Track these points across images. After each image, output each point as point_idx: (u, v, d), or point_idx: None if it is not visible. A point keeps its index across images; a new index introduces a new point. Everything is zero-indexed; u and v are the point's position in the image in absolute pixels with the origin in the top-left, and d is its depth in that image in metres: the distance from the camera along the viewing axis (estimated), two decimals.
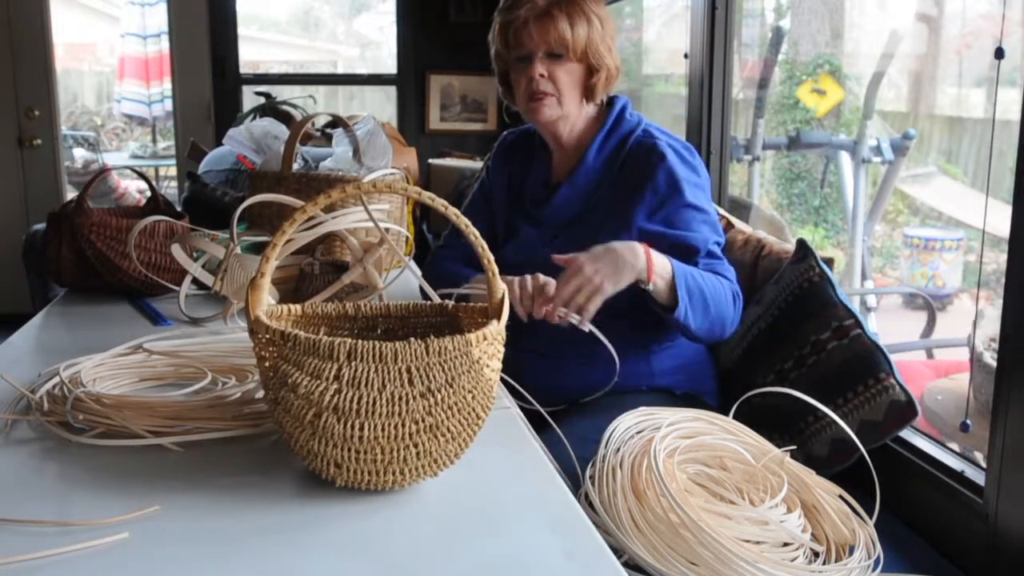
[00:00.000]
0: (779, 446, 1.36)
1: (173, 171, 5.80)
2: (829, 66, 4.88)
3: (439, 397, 0.91)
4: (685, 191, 1.58)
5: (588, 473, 1.27)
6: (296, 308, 1.09)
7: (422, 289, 1.72)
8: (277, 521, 0.91)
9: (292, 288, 1.75)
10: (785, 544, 1.20)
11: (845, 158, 3.47)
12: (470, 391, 0.94)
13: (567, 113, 1.66)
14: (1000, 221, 1.36)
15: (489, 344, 0.95)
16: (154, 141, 7.18)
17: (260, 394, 1.18)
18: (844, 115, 4.79)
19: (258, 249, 1.72)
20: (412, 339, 0.91)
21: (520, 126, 1.84)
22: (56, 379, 1.21)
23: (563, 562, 0.85)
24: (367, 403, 0.90)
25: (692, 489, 1.24)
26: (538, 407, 1.31)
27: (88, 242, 1.77)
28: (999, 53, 1.39)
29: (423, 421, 0.92)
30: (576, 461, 1.30)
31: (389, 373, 0.90)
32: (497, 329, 0.97)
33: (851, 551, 1.23)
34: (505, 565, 0.84)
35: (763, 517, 1.20)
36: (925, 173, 4.61)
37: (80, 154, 6.41)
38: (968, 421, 1.67)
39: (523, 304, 1.46)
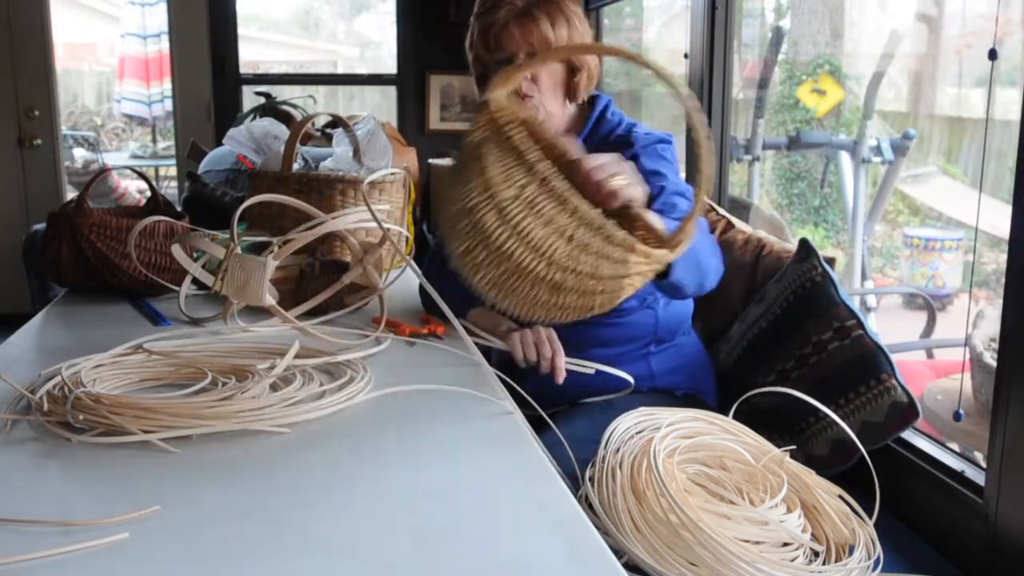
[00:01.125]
0: (779, 446, 1.36)
1: (173, 171, 5.80)
2: (829, 66, 4.88)
3: (580, 264, 0.93)
4: (649, 156, 1.55)
5: (588, 474, 1.27)
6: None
7: (422, 290, 1.73)
8: (277, 521, 0.91)
9: (292, 288, 1.75)
10: (785, 544, 1.20)
11: (845, 158, 3.48)
12: (601, 279, 0.95)
13: (551, 113, 1.64)
14: (1000, 221, 1.36)
15: (645, 263, 0.97)
16: (154, 141, 7.18)
17: (261, 393, 1.18)
18: (844, 115, 4.79)
19: (258, 249, 1.72)
20: (602, 210, 0.93)
21: None
22: (56, 379, 1.21)
23: (563, 562, 0.85)
24: (526, 225, 0.92)
25: (692, 489, 1.24)
26: (538, 408, 1.31)
27: (88, 242, 1.77)
28: (992, 54, 1.40)
29: (550, 270, 0.94)
30: (576, 462, 1.30)
31: (561, 217, 0.92)
32: (661, 255, 0.99)
33: (851, 551, 1.23)
34: (505, 565, 0.84)
35: (763, 517, 1.20)
36: (925, 173, 4.61)
37: (80, 154, 6.40)
38: (961, 411, 1.68)
39: (527, 360, 1.46)
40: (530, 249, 0.93)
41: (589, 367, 1.48)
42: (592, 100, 1.70)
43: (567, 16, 1.60)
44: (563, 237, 0.93)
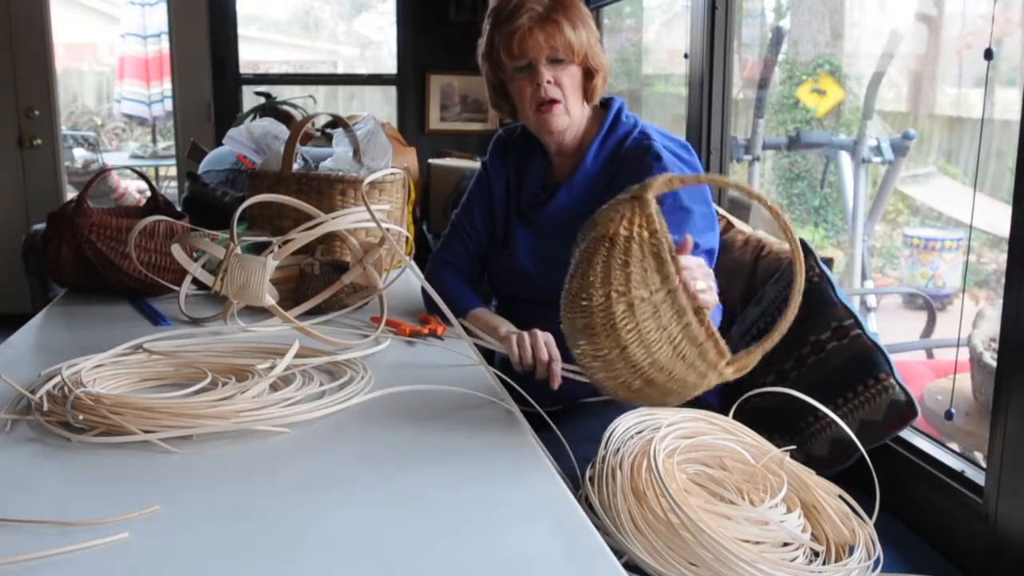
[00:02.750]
0: (779, 446, 1.36)
1: (173, 171, 5.80)
2: (829, 66, 4.87)
3: (674, 370, 1.07)
4: (680, 193, 1.58)
5: (588, 474, 1.27)
6: None
7: (424, 292, 1.73)
8: (277, 521, 0.91)
9: (292, 288, 1.75)
10: (785, 544, 1.20)
11: (845, 158, 3.47)
12: (683, 384, 1.10)
13: (574, 119, 1.66)
14: (1000, 221, 1.36)
15: (716, 378, 1.10)
16: (154, 141, 7.17)
17: (261, 393, 1.18)
18: (844, 115, 4.78)
19: (258, 249, 1.72)
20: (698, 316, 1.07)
21: (512, 123, 1.84)
22: (56, 379, 1.21)
23: (563, 562, 0.85)
24: (646, 325, 1.05)
25: (692, 489, 1.24)
26: (538, 408, 1.31)
27: (88, 242, 1.77)
28: (988, 54, 1.40)
29: (651, 368, 1.06)
30: (575, 461, 1.30)
31: (674, 326, 1.05)
32: (729, 374, 1.10)
33: (851, 551, 1.23)
34: (505, 565, 0.84)
35: (763, 517, 1.20)
36: (925, 173, 4.61)
37: (80, 154, 6.40)
38: (953, 410, 1.68)
39: (523, 364, 1.45)
40: (643, 346, 1.06)
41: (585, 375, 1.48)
42: (606, 102, 1.72)
43: (583, 18, 1.63)
44: (671, 343, 1.06)
